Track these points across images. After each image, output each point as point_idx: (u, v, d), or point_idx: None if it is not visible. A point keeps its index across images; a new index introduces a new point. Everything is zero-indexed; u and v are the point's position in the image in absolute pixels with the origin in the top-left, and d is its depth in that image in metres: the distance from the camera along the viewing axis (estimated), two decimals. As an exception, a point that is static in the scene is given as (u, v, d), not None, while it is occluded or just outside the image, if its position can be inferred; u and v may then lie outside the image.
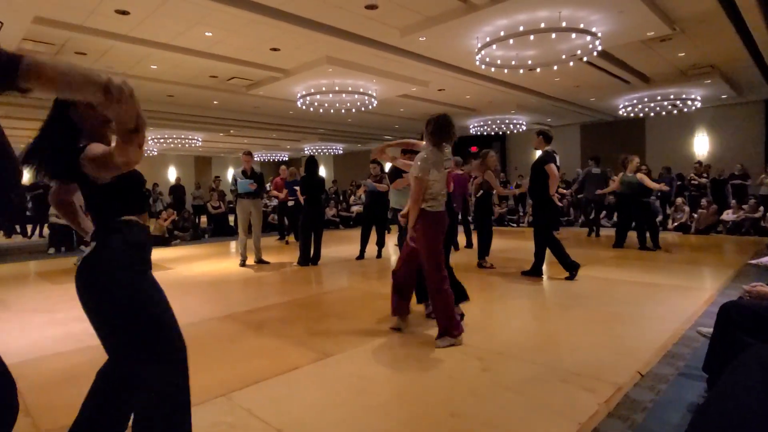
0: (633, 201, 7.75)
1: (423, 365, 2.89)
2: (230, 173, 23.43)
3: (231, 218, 12.71)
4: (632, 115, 12.64)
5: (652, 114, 12.31)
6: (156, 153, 19.33)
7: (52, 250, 9.11)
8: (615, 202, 9.58)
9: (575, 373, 2.67)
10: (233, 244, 9.94)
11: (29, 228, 12.24)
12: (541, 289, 5.06)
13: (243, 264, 6.94)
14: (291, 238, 10.10)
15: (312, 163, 7.05)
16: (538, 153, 5.68)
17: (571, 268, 5.30)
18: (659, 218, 10.81)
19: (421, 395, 2.48)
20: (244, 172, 6.88)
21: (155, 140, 15.85)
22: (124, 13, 5.98)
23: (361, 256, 7.31)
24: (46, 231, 12.19)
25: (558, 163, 5.56)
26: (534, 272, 5.52)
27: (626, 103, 12.06)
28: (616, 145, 13.88)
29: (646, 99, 11.51)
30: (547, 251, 5.47)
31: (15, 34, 6.21)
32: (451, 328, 3.20)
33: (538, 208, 5.55)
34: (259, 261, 7.08)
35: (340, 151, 22.10)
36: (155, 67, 8.41)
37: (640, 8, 5.94)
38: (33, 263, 7.86)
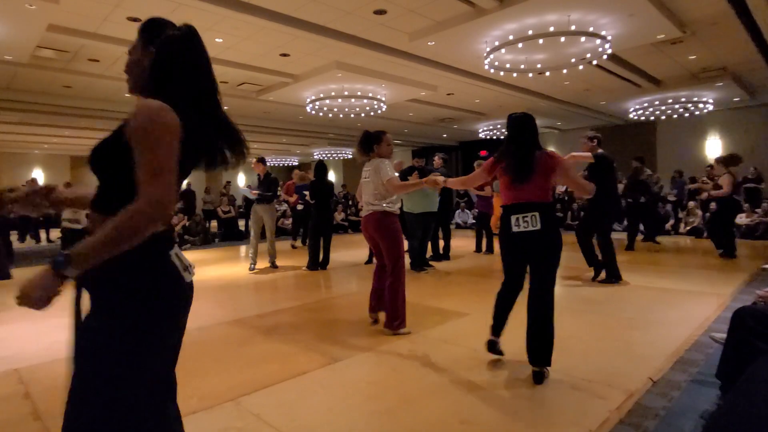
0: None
1: (432, 371, 2.88)
2: (240, 178, 23.60)
3: (241, 223, 12.81)
4: (643, 118, 12.53)
5: (663, 117, 12.19)
6: (167, 158, 19.53)
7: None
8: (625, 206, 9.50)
9: (586, 380, 2.64)
10: (243, 249, 10.00)
11: (42, 233, 12.43)
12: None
13: (252, 269, 6.93)
14: (298, 243, 10.12)
15: (321, 167, 7.08)
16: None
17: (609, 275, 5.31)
18: (671, 222, 10.69)
19: (431, 401, 2.46)
20: (258, 177, 6.95)
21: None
22: (136, 20, 6.07)
23: (369, 261, 7.31)
24: (53, 235, 12.44)
25: None
26: (610, 277, 5.29)
27: (637, 107, 11.96)
28: (627, 148, 13.74)
29: (657, 102, 11.40)
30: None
31: (30, 42, 6.34)
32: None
33: (598, 211, 5.37)
34: (273, 266, 7.07)
35: (350, 156, 22.16)
36: (166, 73, 8.51)
37: (650, 11, 5.90)
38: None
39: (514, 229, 2.68)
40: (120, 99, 10.33)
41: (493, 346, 2.89)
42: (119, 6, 5.64)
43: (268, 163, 7.47)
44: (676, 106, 11.37)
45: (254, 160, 7.24)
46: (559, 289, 5.11)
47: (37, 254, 9.60)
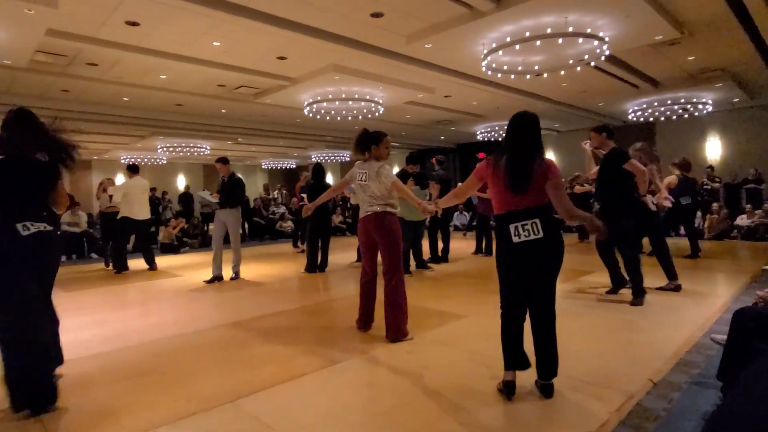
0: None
1: (431, 373, 2.86)
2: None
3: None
4: (642, 119, 12.54)
5: (662, 118, 12.19)
6: (165, 161, 19.53)
7: (63, 258, 9.22)
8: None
9: (585, 382, 2.63)
10: (243, 251, 9.98)
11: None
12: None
13: (212, 281, 6.18)
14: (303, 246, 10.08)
15: (319, 170, 7.08)
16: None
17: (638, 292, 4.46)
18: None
19: (429, 403, 2.45)
20: (222, 180, 6.41)
21: (164, 149, 16.02)
22: (134, 24, 6.07)
23: (359, 260, 7.28)
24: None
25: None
26: (637, 295, 4.40)
27: (636, 108, 11.96)
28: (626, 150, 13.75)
29: (655, 103, 11.41)
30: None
31: (29, 46, 6.34)
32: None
33: (619, 214, 4.39)
34: (215, 279, 6.21)
35: (347, 159, 22.18)
36: (164, 77, 8.51)
37: (647, 12, 5.91)
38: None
39: (515, 240, 2.42)
40: (118, 103, 10.33)
41: (511, 388, 2.48)
42: (117, 10, 5.63)
43: (265, 166, 7.30)
44: (675, 107, 11.36)
45: (216, 161, 6.57)
46: (558, 292, 5.11)
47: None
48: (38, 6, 5.04)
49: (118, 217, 7.39)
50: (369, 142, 3.67)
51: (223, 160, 6.48)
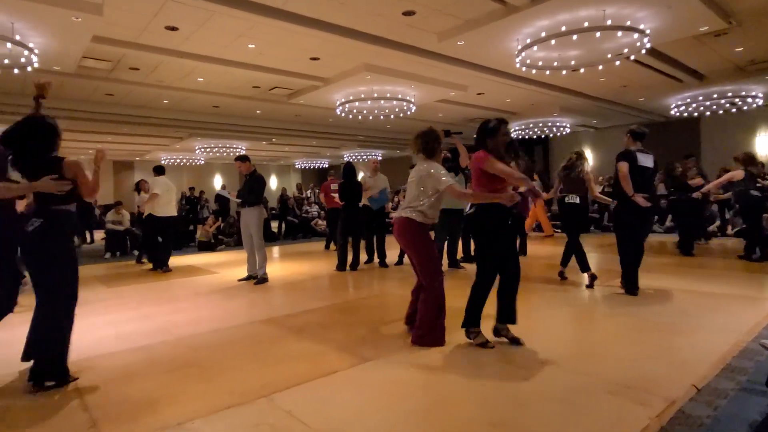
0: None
1: (462, 372, 2.84)
2: (273, 180, 24.06)
3: (274, 225, 13.06)
4: (685, 114, 12.00)
5: (707, 113, 11.64)
6: (203, 162, 20.15)
7: (108, 255, 9.66)
8: (668, 205, 9.11)
9: (624, 385, 2.54)
10: (276, 249, 10.19)
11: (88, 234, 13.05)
12: (586, 297, 4.87)
13: (247, 279, 6.25)
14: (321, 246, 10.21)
15: (349, 169, 7.10)
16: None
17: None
18: (717, 224, 10.17)
19: (461, 403, 2.43)
20: (245, 178, 6.32)
21: (202, 149, 16.53)
22: (173, 29, 6.29)
23: (399, 262, 7.30)
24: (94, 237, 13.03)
25: (646, 163, 4.79)
26: (629, 289, 4.73)
27: (679, 102, 11.46)
28: (669, 147, 13.17)
29: (700, 98, 10.90)
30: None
31: (76, 53, 6.67)
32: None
33: (620, 211, 4.84)
34: (250, 277, 6.22)
35: (380, 157, 22.22)
36: (201, 79, 8.78)
37: (691, 2, 5.65)
38: (91, 267, 8.33)
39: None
40: (159, 105, 10.73)
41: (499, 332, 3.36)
42: (157, 15, 5.86)
43: (298, 166, 7.30)
44: (722, 102, 10.82)
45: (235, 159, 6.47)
46: (593, 293, 4.98)
47: (81, 254, 10.08)
48: (85, 14, 5.31)
49: (144, 216, 7.76)
50: (433, 142, 3.48)
51: (242, 158, 6.29)
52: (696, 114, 11.82)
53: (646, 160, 4.82)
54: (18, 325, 3.08)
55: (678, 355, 3.02)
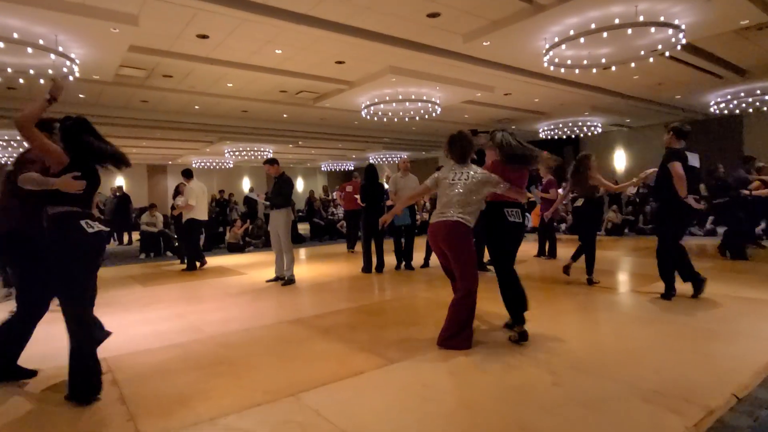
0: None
1: (490, 376, 2.81)
2: (300, 182, 24.40)
3: (301, 226, 13.24)
4: (726, 112, 11.51)
5: (750, 110, 11.14)
6: (232, 165, 20.64)
7: (143, 255, 10.01)
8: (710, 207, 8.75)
9: (659, 393, 2.46)
10: (303, 251, 10.33)
11: (125, 236, 13.55)
12: (621, 302, 4.74)
13: (275, 280, 6.34)
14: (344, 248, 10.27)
15: (371, 170, 7.09)
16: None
17: (697, 284, 4.53)
18: (762, 226, 9.68)
19: (488, 406, 2.41)
20: (275, 180, 6.37)
21: (231, 153, 16.93)
22: (204, 37, 6.48)
23: (425, 264, 7.27)
24: (122, 237, 13.51)
25: (694, 163, 4.61)
26: (666, 295, 4.55)
27: (719, 99, 11.01)
28: (710, 145, 12.64)
29: (742, 94, 10.44)
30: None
31: (114, 62, 6.96)
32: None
33: (665, 213, 4.58)
34: (278, 279, 6.30)
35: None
36: (231, 85, 9.01)
37: (731, -5, 5.43)
38: (127, 267, 8.65)
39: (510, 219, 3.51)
40: (190, 111, 11.06)
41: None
42: (189, 25, 6.05)
43: (324, 168, 7.37)
44: (766, 98, 10.34)
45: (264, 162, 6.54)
46: (628, 298, 4.84)
47: (118, 255, 10.48)
48: (122, 25, 5.54)
49: (183, 221, 8.00)
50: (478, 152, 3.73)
51: (271, 161, 6.34)
52: (738, 111, 11.33)
53: (694, 160, 4.63)
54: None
55: (718, 363, 2.90)
